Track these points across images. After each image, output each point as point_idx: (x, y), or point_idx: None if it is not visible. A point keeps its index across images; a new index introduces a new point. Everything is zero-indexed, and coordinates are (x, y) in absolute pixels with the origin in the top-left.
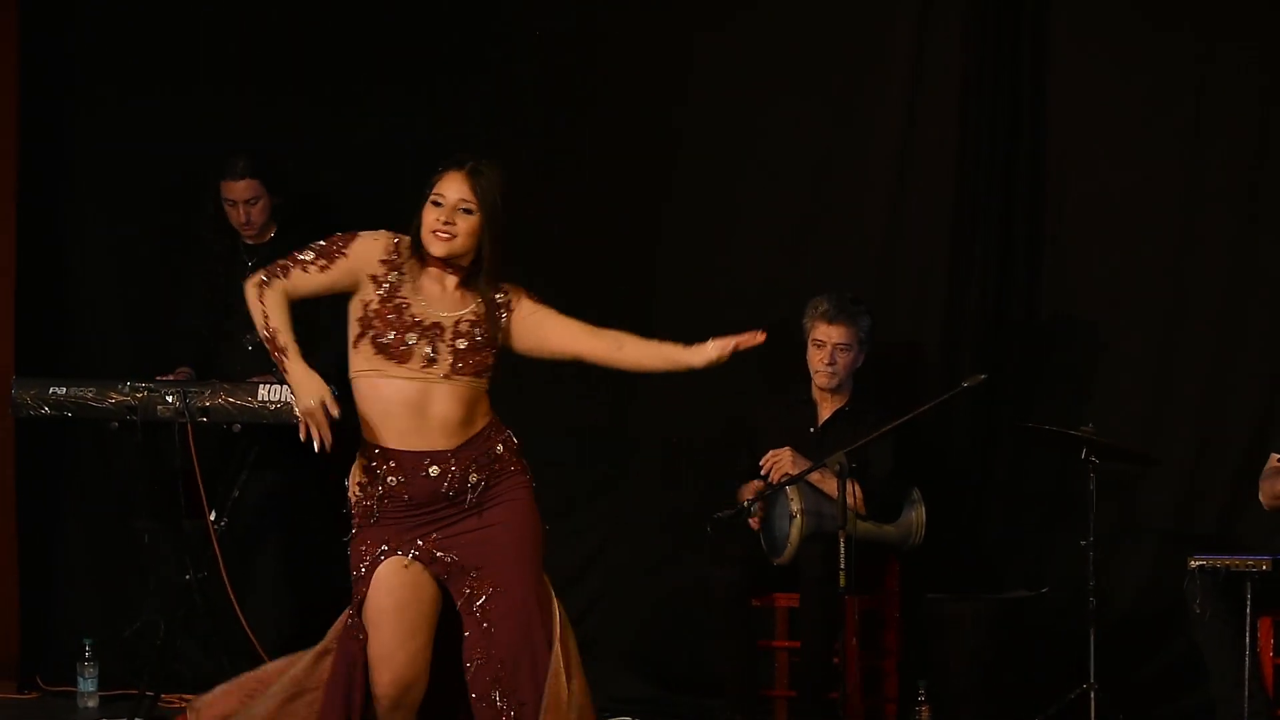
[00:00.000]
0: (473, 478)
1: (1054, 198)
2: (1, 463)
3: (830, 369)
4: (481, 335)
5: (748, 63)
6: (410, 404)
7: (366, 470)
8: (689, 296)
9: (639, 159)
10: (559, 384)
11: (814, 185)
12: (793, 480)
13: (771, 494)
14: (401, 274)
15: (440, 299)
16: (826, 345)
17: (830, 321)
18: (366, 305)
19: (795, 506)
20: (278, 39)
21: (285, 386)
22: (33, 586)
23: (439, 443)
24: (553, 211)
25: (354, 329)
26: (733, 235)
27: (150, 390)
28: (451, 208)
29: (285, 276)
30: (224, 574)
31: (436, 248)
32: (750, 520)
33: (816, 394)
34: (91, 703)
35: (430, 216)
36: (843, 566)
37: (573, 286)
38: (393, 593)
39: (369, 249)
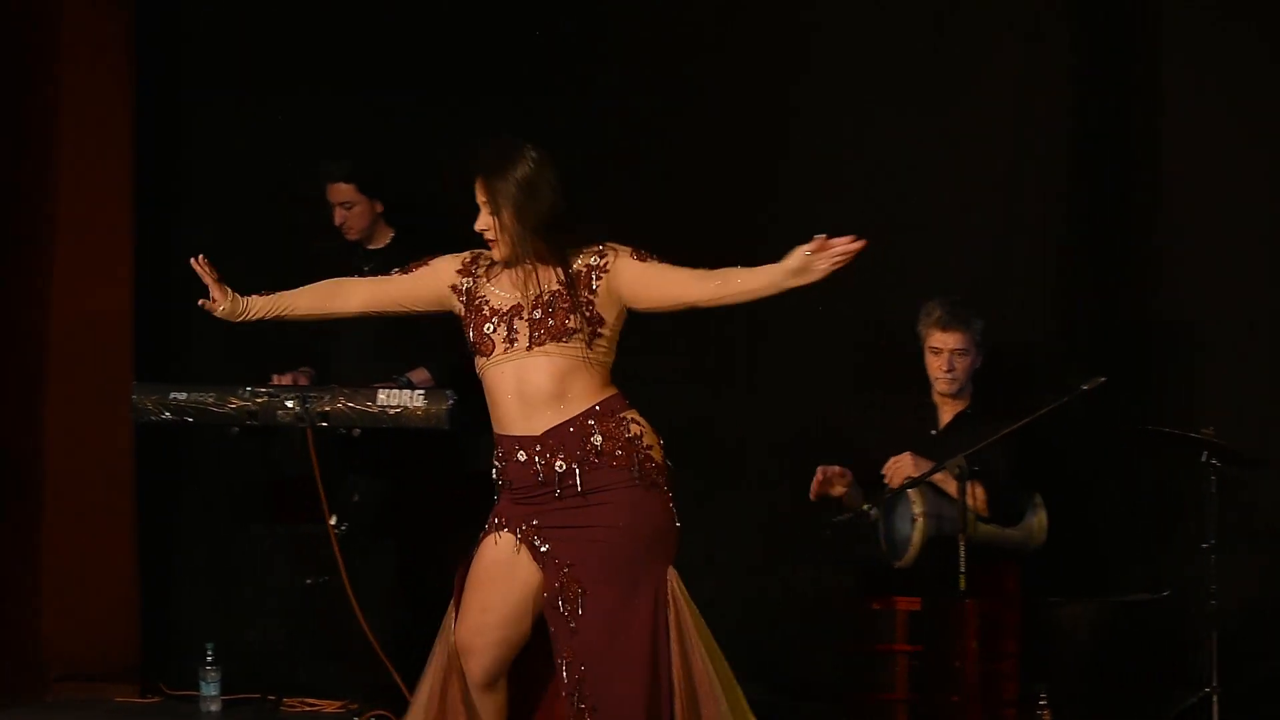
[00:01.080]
0: (560, 465)
1: (1169, 198)
2: (122, 468)
3: (949, 375)
4: (564, 303)
5: (857, 62)
6: (509, 389)
7: (493, 454)
8: (800, 301)
9: (747, 160)
10: (670, 383)
11: (925, 187)
12: (914, 483)
13: (892, 497)
14: (477, 278)
15: (520, 285)
16: (943, 352)
17: (945, 328)
18: (459, 317)
19: (917, 510)
20: (391, 43)
21: (405, 391)
22: (154, 591)
23: (533, 426)
24: (659, 211)
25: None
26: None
27: (270, 395)
28: (485, 211)
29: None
30: (344, 577)
31: (495, 253)
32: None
33: (937, 397)
34: (214, 707)
35: (477, 227)
36: (962, 570)
37: None
38: (482, 562)
39: (447, 262)
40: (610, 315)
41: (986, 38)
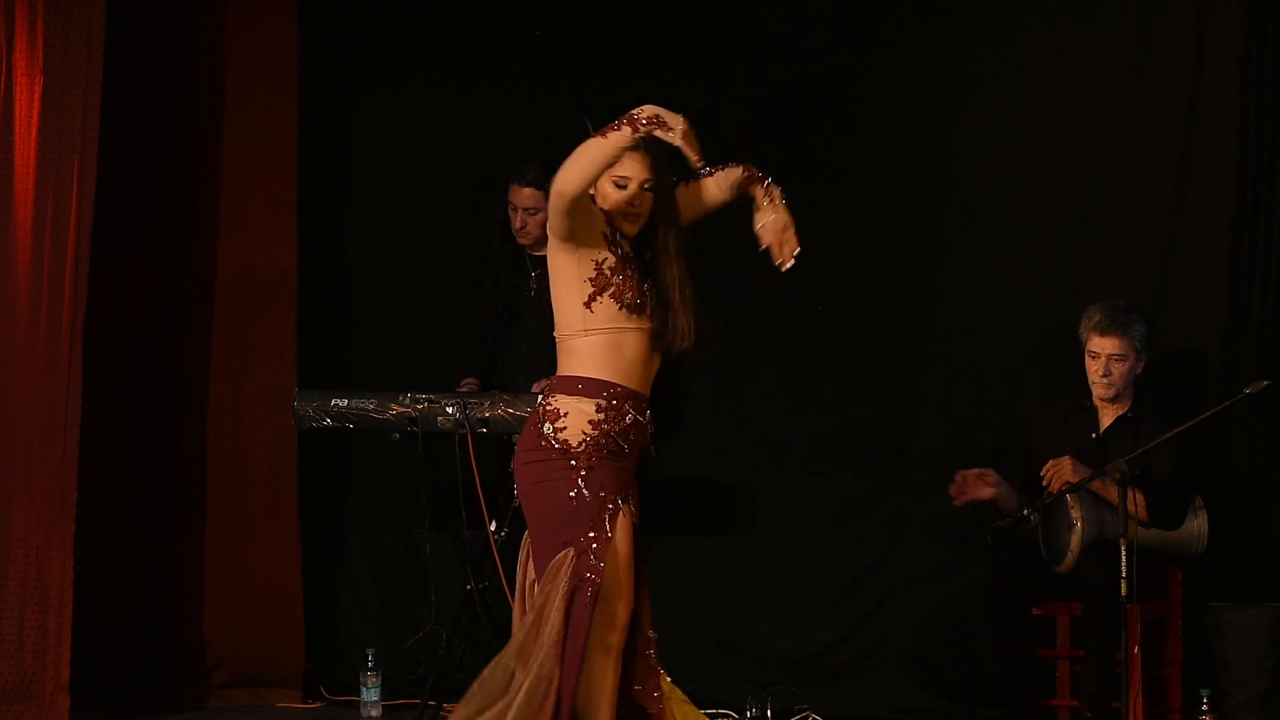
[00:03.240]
0: (650, 429)
1: None
2: (285, 474)
3: (1106, 380)
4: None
5: (1020, 70)
6: (644, 350)
7: (603, 409)
8: (966, 305)
9: (914, 168)
10: (839, 389)
11: (1091, 192)
12: (1074, 488)
13: (1052, 502)
14: (612, 239)
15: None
16: (1101, 357)
17: (1103, 333)
18: (600, 263)
19: (1076, 515)
20: (561, 39)
21: None
22: (316, 597)
23: (646, 385)
24: (825, 217)
25: (584, 289)
26: (1009, 244)
27: (430, 402)
28: (638, 187)
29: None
30: (505, 583)
31: (629, 227)
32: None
33: (1097, 401)
34: (375, 712)
35: (618, 197)
36: (1124, 575)
37: (847, 294)
38: (621, 545)
39: (598, 219)
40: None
41: (1154, 37)
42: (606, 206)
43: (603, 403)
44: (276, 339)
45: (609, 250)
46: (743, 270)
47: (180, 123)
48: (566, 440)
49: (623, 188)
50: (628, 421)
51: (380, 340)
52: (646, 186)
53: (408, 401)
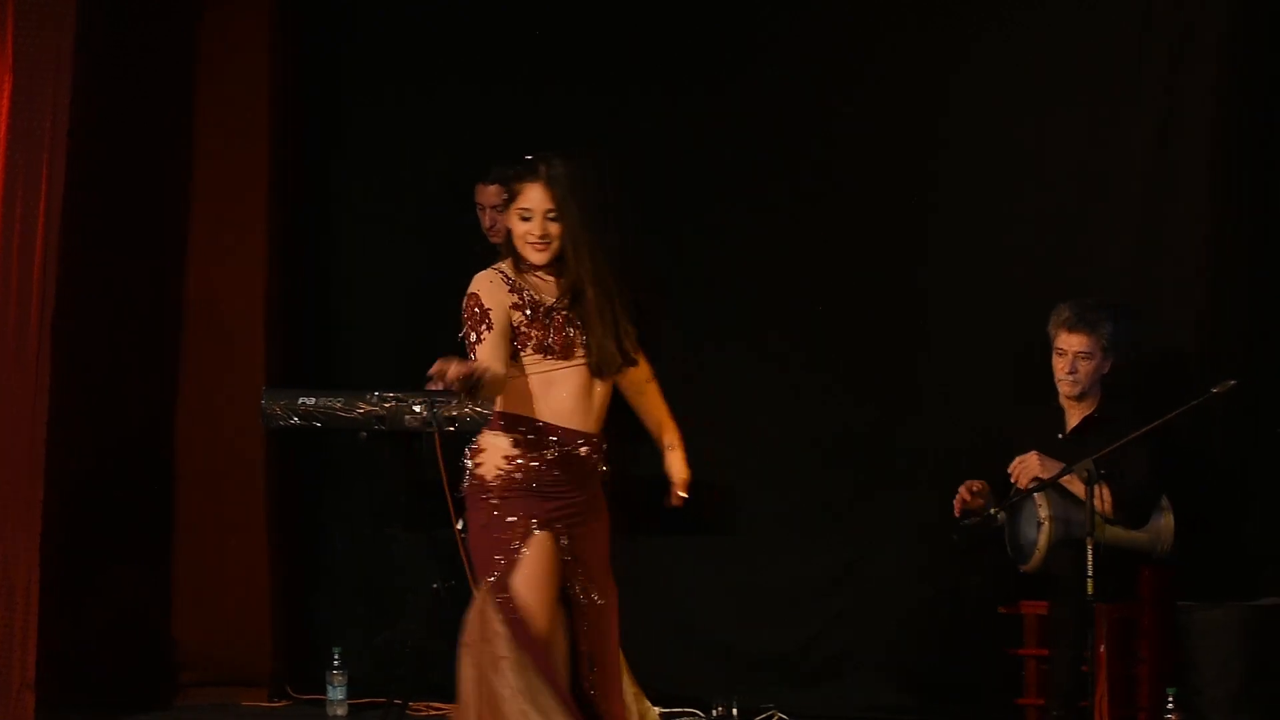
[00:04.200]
0: (604, 467)
1: None
2: (253, 473)
3: (1071, 377)
4: (615, 330)
5: (1003, 74)
6: (575, 386)
7: (520, 444)
8: (950, 307)
9: (899, 172)
10: (818, 391)
11: (1070, 192)
12: (1041, 486)
13: (1019, 500)
14: (522, 288)
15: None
16: (1067, 354)
17: (1070, 330)
18: (516, 326)
19: (1043, 513)
20: (542, 41)
21: None
22: (284, 596)
23: (590, 425)
24: (813, 217)
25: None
26: (992, 244)
27: (398, 400)
28: (540, 219)
29: (485, 370)
30: (471, 582)
31: (539, 258)
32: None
33: (1064, 401)
34: (341, 711)
35: (522, 230)
36: (1090, 574)
37: (834, 296)
38: (535, 563)
39: (494, 294)
40: None
41: (1133, 39)
42: (516, 237)
43: (519, 438)
44: (245, 337)
45: (520, 313)
46: (726, 271)
47: (151, 121)
48: (483, 475)
49: (527, 219)
50: (550, 456)
51: (353, 340)
52: (550, 216)
53: (375, 400)
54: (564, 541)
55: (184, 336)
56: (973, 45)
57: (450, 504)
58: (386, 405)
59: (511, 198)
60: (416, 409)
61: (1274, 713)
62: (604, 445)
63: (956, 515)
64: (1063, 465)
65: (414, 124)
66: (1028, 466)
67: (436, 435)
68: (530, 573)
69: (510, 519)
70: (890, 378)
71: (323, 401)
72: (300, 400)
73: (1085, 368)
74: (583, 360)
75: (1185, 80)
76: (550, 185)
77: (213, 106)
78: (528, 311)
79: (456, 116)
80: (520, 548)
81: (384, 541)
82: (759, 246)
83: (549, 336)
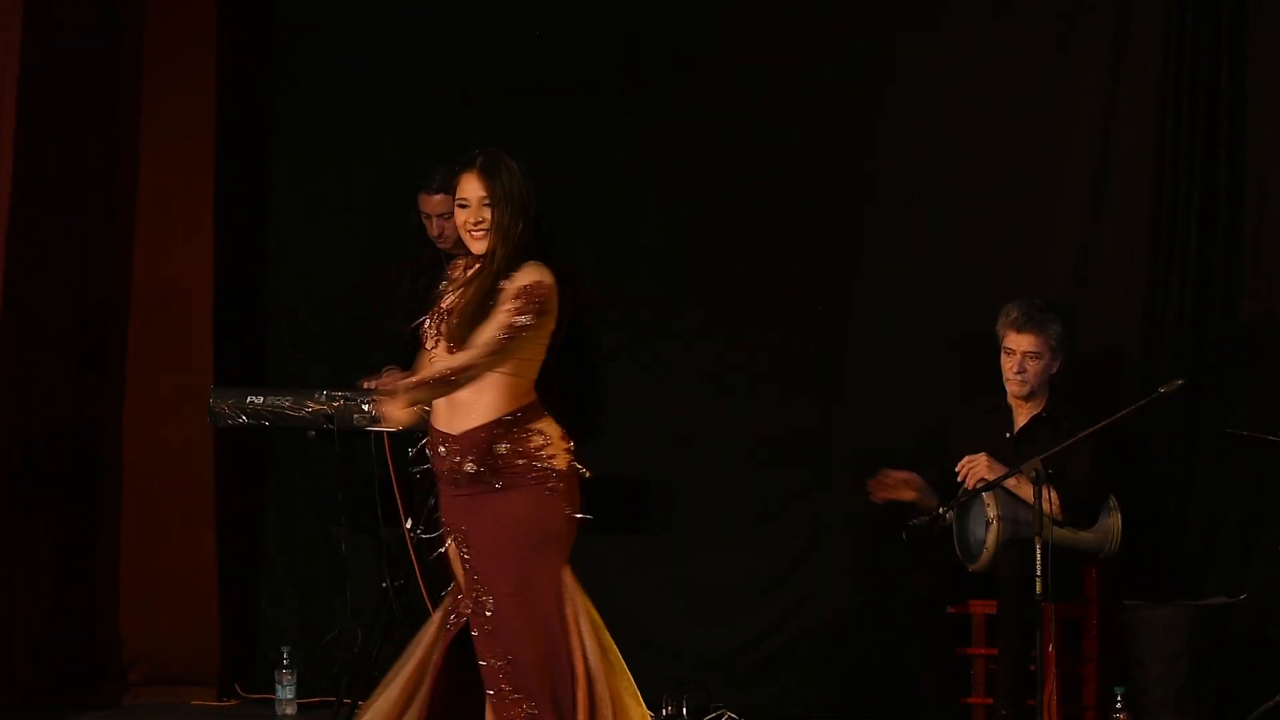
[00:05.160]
0: (469, 467)
1: (1253, 200)
2: (201, 471)
3: (1020, 377)
4: (472, 312)
5: (940, 72)
6: None
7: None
8: (887, 305)
9: (835, 169)
10: (761, 388)
11: (1011, 191)
12: (989, 486)
13: (967, 500)
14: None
15: (458, 283)
16: (1016, 353)
17: (1019, 330)
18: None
19: (991, 513)
20: (484, 37)
21: None
22: (233, 595)
23: (454, 425)
24: (749, 216)
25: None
26: (930, 244)
27: (346, 399)
28: (478, 205)
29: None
30: (421, 582)
31: (476, 245)
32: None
33: (1012, 400)
34: (290, 710)
35: (460, 218)
36: (1039, 573)
37: (769, 294)
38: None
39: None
40: None
41: (1074, 40)
42: (459, 228)
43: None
44: (193, 336)
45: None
46: (664, 271)
47: (97, 119)
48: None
49: (465, 207)
50: (430, 455)
51: (299, 338)
52: (486, 202)
53: (324, 399)
54: (461, 548)
55: (131, 333)
56: (906, 44)
57: (400, 503)
58: (335, 404)
59: (453, 189)
60: (365, 408)
61: (1219, 710)
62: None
63: (877, 501)
64: (1010, 467)
65: (355, 120)
66: (976, 467)
67: (385, 435)
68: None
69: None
70: (833, 377)
71: (271, 400)
72: (249, 399)
73: (1034, 367)
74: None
75: (1126, 76)
76: (484, 175)
77: (158, 102)
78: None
79: (400, 113)
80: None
81: (332, 540)
82: (697, 246)
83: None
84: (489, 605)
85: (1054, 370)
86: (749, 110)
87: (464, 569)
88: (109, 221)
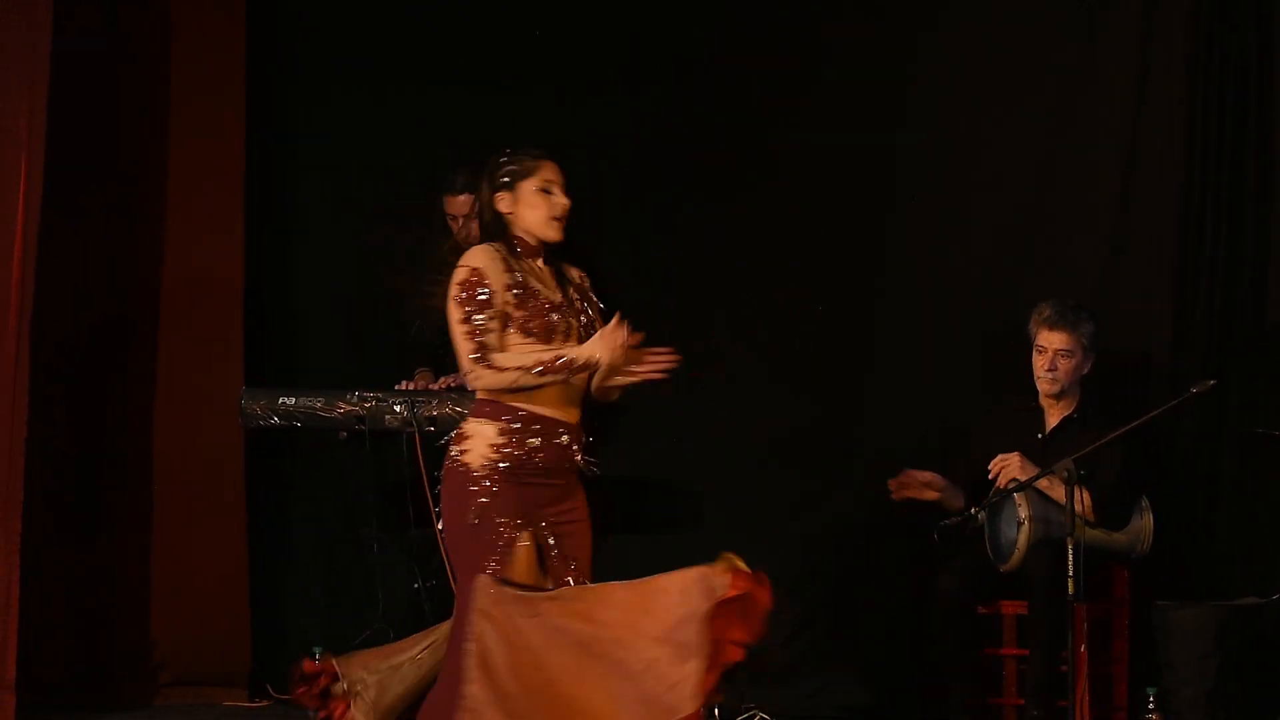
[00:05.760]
0: (579, 456)
1: None
2: (231, 472)
3: (1051, 375)
4: (589, 309)
5: (965, 70)
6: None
7: (505, 432)
8: (912, 305)
9: (859, 170)
10: (786, 389)
11: (1038, 191)
12: (1021, 487)
13: (999, 500)
14: (515, 271)
15: (549, 282)
16: (1048, 351)
17: (1051, 327)
18: (505, 304)
19: (1023, 513)
20: (509, 39)
21: None
22: (263, 596)
23: (572, 415)
24: (770, 216)
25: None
26: (955, 243)
27: (378, 400)
28: (560, 190)
29: (488, 350)
30: (452, 582)
31: (556, 234)
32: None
33: (1043, 400)
34: None
35: (546, 206)
36: (1071, 574)
37: (797, 293)
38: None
39: (495, 270)
40: None
41: (1100, 35)
42: (538, 216)
43: (504, 426)
44: (223, 337)
45: (512, 293)
46: (688, 270)
47: (126, 122)
48: (468, 463)
49: (549, 193)
50: (534, 445)
51: (328, 339)
52: (565, 190)
53: (355, 400)
54: (550, 541)
55: (161, 335)
56: (931, 41)
57: (430, 504)
58: (367, 405)
59: (526, 174)
60: (397, 409)
61: (1250, 710)
62: (584, 437)
63: (895, 499)
64: (1041, 467)
65: (382, 122)
66: (1009, 467)
67: (416, 435)
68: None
69: (500, 520)
70: (858, 377)
71: (303, 401)
72: (280, 400)
73: (1065, 365)
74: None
75: (1154, 74)
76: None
77: (186, 104)
78: (517, 292)
79: (426, 114)
80: (508, 551)
81: (362, 542)
82: (717, 245)
83: (532, 320)
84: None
85: (1085, 370)
86: (767, 109)
87: (553, 558)
88: (139, 223)
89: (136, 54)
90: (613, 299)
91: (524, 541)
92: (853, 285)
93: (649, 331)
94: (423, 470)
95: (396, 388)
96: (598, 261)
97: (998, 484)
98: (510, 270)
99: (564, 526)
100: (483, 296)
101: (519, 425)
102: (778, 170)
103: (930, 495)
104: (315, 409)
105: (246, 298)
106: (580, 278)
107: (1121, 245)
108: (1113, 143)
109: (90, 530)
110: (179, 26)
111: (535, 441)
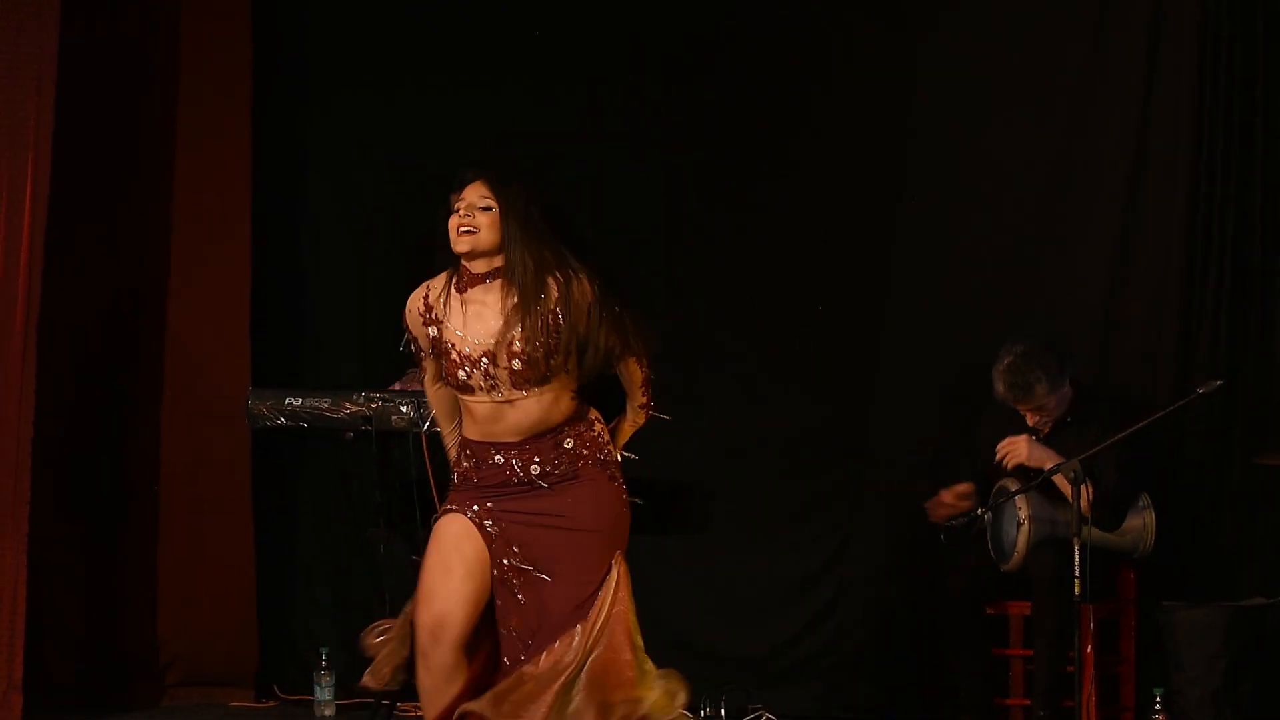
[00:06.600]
0: (534, 469)
1: None
2: (238, 473)
3: (1040, 422)
4: (539, 346)
5: (974, 74)
6: (486, 418)
7: (460, 455)
8: (921, 307)
9: (869, 171)
10: (794, 390)
11: (1047, 195)
12: (1029, 488)
13: (1005, 500)
14: (439, 318)
15: (488, 321)
16: (1024, 413)
17: (1015, 402)
18: (426, 351)
19: (1023, 513)
20: (517, 39)
21: None
22: (270, 596)
23: (514, 438)
24: (780, 217)
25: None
26: (964, 247)
27: (384, 400)
28: (468, 206)
29: (429, 384)
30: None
31: (461, 246)
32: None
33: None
34: (328, 711)
35: (452, 223)
36: (1077, 574)
37: (805, 295)
38: (437, 542)
39: (413, 316)
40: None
41: (1108, 39)
42: (451, 234)
43: (468, 452)
44: (230, 338)
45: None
46: (697, 272)
47: (134, 124)
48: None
49: (456, 211)
50: (467, 467)
51: (335, 340)
52: (482, 206)
53: (361, 400)
54: (488, 524)
55: (168, 337)
56: (939, 45)
57: (437, 504)
58: (373, 405)
59: (456, 197)
60: (403, 409)
61: (1257, 711)
62: (560, 444)
63: (938, 521)
64: (1050, 450)
65: (390, 122)
66: (1016, 449)
67: (423, 435)
68: (436, 554)
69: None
70: (866, 378)
71: (309, 401)
72: (287, 401)
73: (1046, 415)
74: (483, 397)
75: (1162, 78)
76: (490, 181)
77: (193, 105)
78: (433, 339)
79: (433, 115)
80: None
81: (369, 541)
82: (730, 247)
83: (448, 372)
84: (525, 592)
85: (1065, 400)
86: (780, 111)
87: (494, 539)
88: (146, 224)
89: (143, 56)
90: (624, 301)
91: (455, 520)
92: (862, 286)
93: (662, 331)
94: (429, 470)
95: (390, 388)
96: (611, 262)
97: (1005, 466)
98: (431, 314)
99: (518, 517)
100: (414, 343)
101: (470, 451)
102: (787, 172)
103: (966, 505)
104: (322, 409)
105: (253, 298)
106: (582, 293)
107: (1129, 246)
108: (1121, 148)
109: (97, 531)
110: (186, 29)
111: (469, 465)
